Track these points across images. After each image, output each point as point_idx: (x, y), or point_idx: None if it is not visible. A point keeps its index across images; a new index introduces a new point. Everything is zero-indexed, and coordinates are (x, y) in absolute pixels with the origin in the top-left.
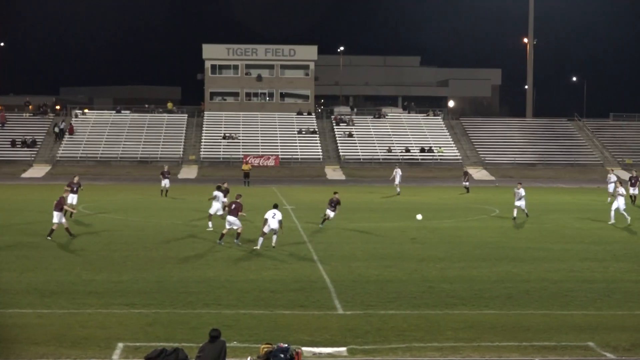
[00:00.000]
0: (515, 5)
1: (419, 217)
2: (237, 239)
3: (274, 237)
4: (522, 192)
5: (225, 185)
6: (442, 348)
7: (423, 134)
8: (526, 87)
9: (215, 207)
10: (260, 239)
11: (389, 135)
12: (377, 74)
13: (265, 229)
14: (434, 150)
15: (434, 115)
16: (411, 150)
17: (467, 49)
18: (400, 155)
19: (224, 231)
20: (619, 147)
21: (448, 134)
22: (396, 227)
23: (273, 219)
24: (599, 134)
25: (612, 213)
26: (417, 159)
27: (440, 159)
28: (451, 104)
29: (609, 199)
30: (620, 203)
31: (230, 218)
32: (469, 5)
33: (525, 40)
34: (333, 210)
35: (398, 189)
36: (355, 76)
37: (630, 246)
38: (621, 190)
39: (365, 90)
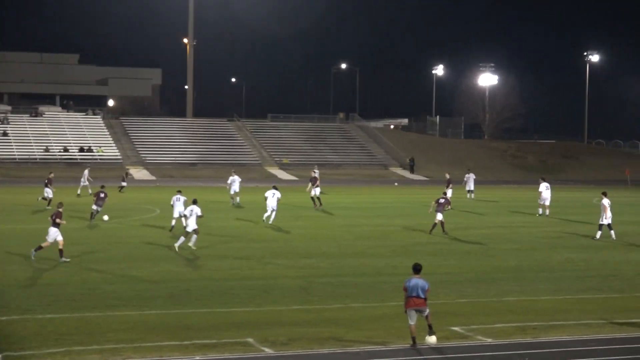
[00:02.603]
0: (174, 5)
1: (106, 217)
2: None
3: (273, 215)
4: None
5: None
6: (102, 350)
7: (82, 134)
8: (186, 87)
9: None
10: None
11: (47, 134)
12: (33, 71)
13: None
14: (94, 150)
15: (94, 115)
16: (70, 150)
17: (127, 48)
18: (59, 155)
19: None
20: (277, 146)
21: (108, 133)
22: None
23: (272, 197)
24: (257, 134)
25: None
26: (76, 159)
27: (100, 159)
28: (111, 103)
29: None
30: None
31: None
32: (128, 4)
33: (185, 40)
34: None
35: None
36: (10, 73)
37: (287, 243)
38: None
39: (21, 88)
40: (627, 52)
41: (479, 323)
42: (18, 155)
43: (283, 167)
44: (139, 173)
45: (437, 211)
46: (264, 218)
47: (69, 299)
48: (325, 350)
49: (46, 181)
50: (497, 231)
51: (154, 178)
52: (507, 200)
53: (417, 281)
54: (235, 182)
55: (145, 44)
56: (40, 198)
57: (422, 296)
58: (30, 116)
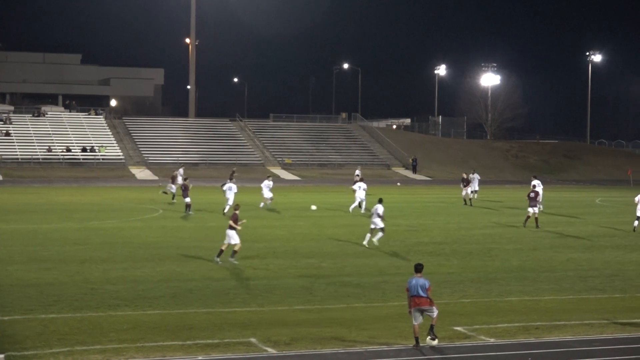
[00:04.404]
0: (177, 5)
1: (314, 207)
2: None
3: (363, 204)
4: None
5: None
6: (105, 350)
7: (85, 134)
8: (189, 87)
9: None
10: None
11: (49, 134)
12: (36, 71)
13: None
14: (96, 150)
15: (96, 115)
16: (72, 150)
17: (129, 48)
18: (62, 155)
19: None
20: (279, 146)
21: (110, 133)
22: (57, 229)
23: (360, 190)
24: (259, 134)
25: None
26: (79, 159)
27: (103, 159)
28: (113, 103)
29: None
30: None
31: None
32: (130, 4)
33: (188, 40)
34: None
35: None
36: (13, 73)
37: (289, 243)
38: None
39: (24, 88)
40: (629, 52)
41: (482, 323)
42: (21, 155)
43: (285, 167)
44: (141, 173)
45: (530, 207)
46: (351, 209)
47: (71, 299)
48: (327, 350)
49: (171, 178)
50: (499, 231)
51: (156, 178)
52: (510, 200)
53: (417, 280)
54: (266, 188)
55: (147, 44)
56: (161, 191)
57: (423, 294)
58: (33, 116)
